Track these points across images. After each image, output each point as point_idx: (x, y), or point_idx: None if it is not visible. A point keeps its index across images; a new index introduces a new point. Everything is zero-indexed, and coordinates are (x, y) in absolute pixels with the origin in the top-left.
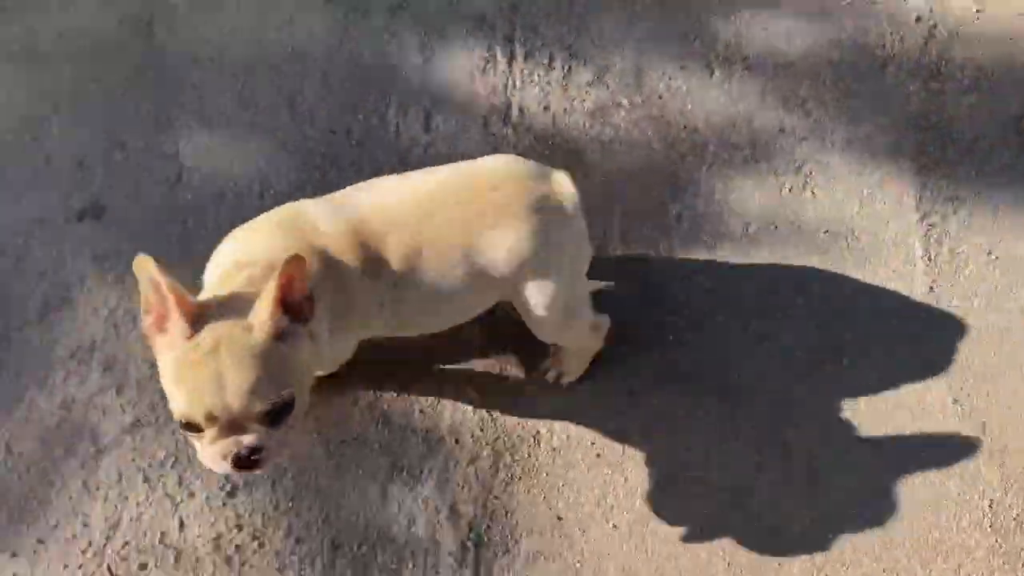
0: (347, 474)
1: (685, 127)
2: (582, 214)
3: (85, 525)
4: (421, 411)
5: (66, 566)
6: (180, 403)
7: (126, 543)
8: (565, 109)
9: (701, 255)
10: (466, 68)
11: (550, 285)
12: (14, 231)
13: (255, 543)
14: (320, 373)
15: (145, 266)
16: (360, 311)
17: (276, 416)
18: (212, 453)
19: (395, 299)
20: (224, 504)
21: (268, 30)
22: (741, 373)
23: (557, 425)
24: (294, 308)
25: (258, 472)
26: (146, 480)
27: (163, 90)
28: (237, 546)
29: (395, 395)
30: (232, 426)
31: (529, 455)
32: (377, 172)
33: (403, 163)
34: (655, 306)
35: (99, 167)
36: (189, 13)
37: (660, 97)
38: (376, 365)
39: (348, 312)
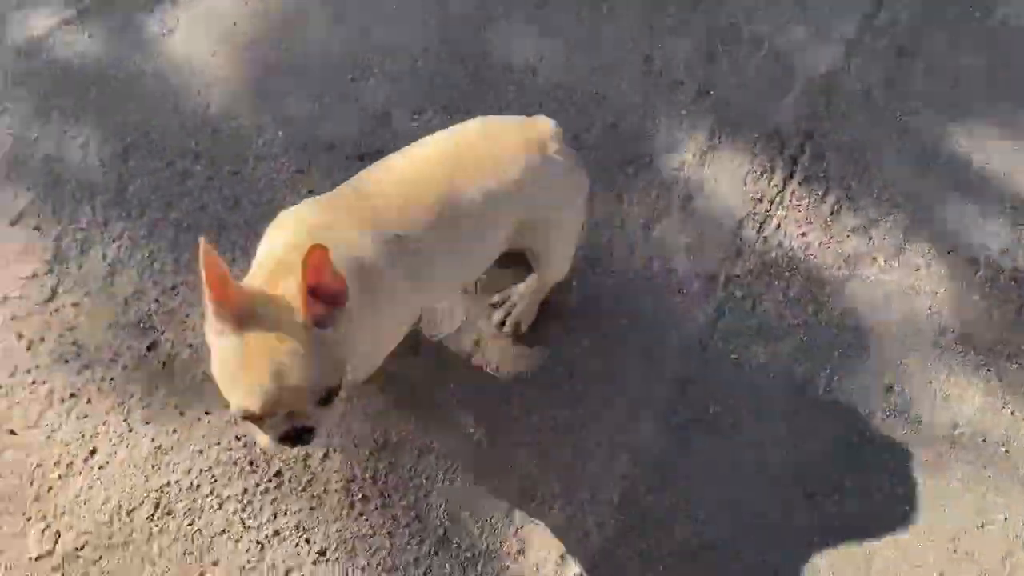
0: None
1: (931, 308)
2: (571, 148)
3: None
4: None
5: (218, 442)
6: (237, 399)
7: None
8: (820, 243)
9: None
10: (743, 168)
11: (569, 215)
12: None
13: (380, 500)
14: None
15: (201, 254)
16: (387, 292)
17: (326, 399)
18: (268, 440)
19: (417, 268)
20: (371, 455)
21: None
22: None
23: None
24: (329, 295)
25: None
26: None
27: None
28: (364, 496)
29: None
30: (285, 411)
31: None
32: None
33: (646, 228)
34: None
35: None
36: None
37: (917, 270)
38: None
39: (375, 300)
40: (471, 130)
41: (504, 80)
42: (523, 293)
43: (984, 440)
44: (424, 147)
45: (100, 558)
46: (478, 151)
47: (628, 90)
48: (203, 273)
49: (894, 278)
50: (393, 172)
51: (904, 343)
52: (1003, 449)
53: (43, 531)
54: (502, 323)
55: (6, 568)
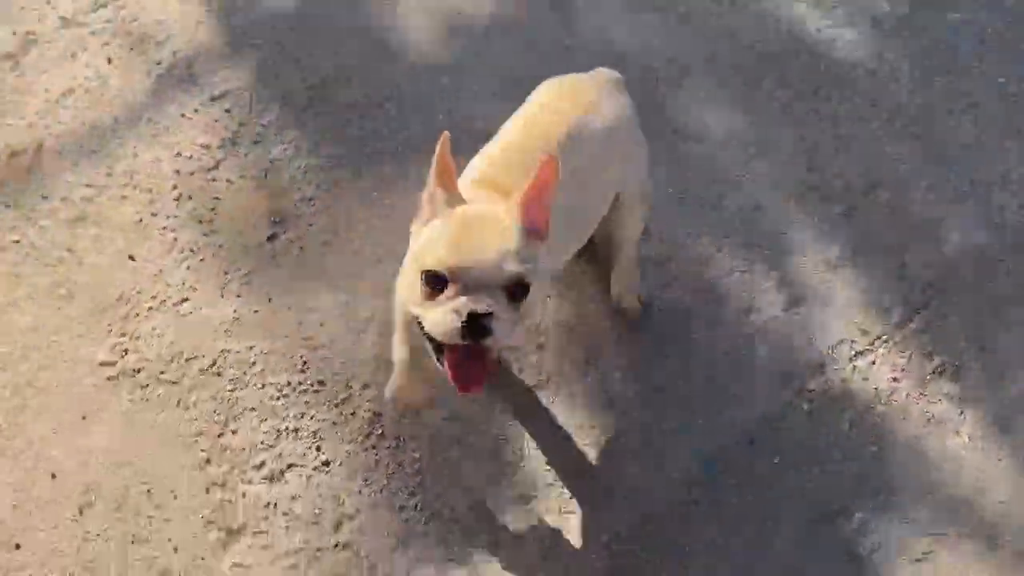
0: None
1: (1000, 503)
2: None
3: None
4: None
5: (285, 336)
6: (437, 252)
7: None
8: (908, 395)
9: None
10: (865, 296)
11: (642, 149)
12: None
13: (395, 442)
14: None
15: (440, 144)
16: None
17: (514, 294)
18: (445, 312)
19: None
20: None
21: None
22: None
23: None
24: (534, 224)
25: (484, 343)
26: None
27: None
28: (383, 433)
29: None
30: (476, 287)
31: None
32: None
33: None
34: None
35: None
36: None
37: (999, 461)
38: None
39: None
40: (554, 88)
41: None
42: (622, 268)
43: None
44: (531, 107)
45: (148, 385)
46: (575, 98)
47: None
48: (436, 161)
49: (973, 460)
50: (516, 133)
51: (955, 519)
52: None
53: (115, 345)
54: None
55: (73, 361)
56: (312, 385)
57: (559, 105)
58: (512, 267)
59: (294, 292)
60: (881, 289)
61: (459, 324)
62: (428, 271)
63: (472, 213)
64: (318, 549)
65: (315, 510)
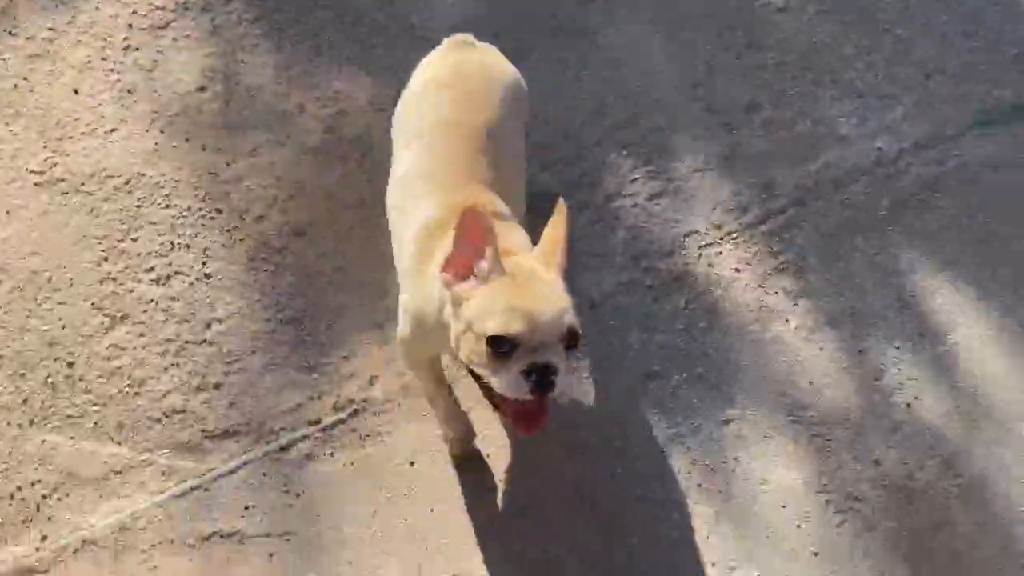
0: None
1: (805, 381)
2: None
3: None
4: None
5: (211, 173)
6: (499, 320)
7: None
8: (747, 285)
9: None
10: (721, 195)
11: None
12: None
13: (274, 270)
14: None
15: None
16: None
17: (569, 344)
18: (512, 376)
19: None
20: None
21: None
22: None
23: None
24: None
25: (549, 394)
26: None
27: None
28: (265, 258)
29: None
30: (538, 347)
31: None
32: None
33: (609, 200)
34: None
35: None
36: None
37: (820, 349)
38: None
39: None
40: (440, 63)
41: None
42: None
43: (784, 507)
44: (431, 124)
45: (67, 193)
46: (468, 71)
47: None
48: (475, 226)
49: (793, 344)
50: (437, 161)
51: (758, 393)
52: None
53: (47, 158)
54: None
55: (8, 167)
56: (210, 212)
57: (461, 116)
58: (571, 322)
59: (213, 136)
60: (743, 194)
61: (532, 384)
62: (495, 337)
63: (522, 276)
64: (187, 342)
65: (190, 311)
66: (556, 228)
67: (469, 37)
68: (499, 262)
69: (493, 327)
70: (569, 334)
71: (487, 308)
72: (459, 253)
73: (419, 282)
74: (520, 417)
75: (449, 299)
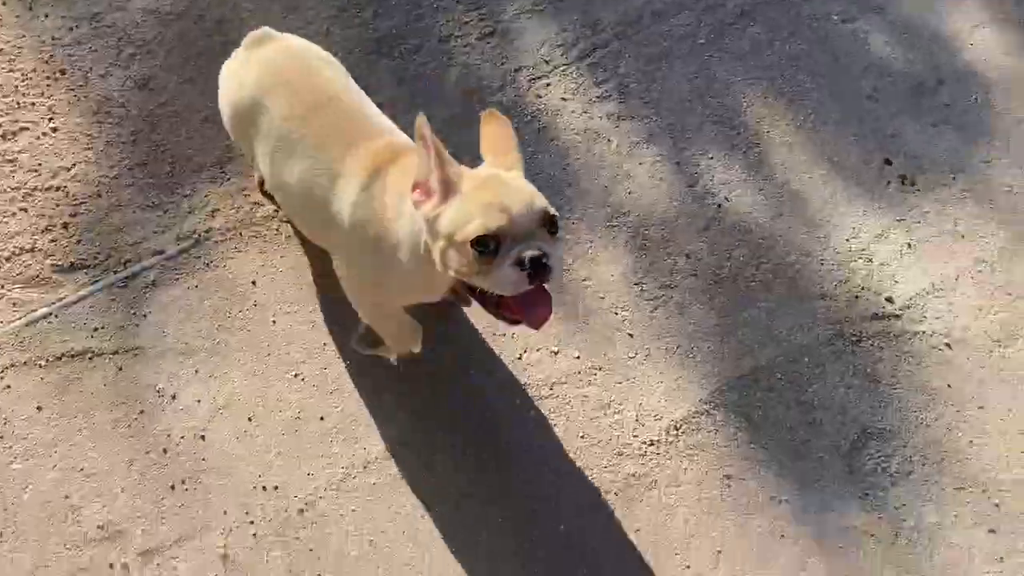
0: None
1: (623, 192)
2: None
3: None
4: None
5: None
6: (479, 221)
7: None
8: (574, 111)
9: None
10: (549, 32)
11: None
12: None
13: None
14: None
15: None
16: None
17: (552, 226)
18: (505, 271)
19: None
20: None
21: None
22: None
23: None
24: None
25: (547, 282)
26: None
27: None
28: (117, 122)
29: None
30: (524, 236)
31: None
32: None
33: (445, 41)
34: None
35: None
36: None
37: (640, 164)
38: None
39: None
40: (250, 67)
41: None
42: None
43: (603, 298)
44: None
45: None
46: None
47: None
48: (433, 147)
49: (615, 160)
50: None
51: (582, 204)
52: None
53: None
54: None
55: None
56: (55, 74)
57: (313, 97)
58: (544, 205)
59: (53, 4)
60: (569, 31)
61: (526, 274)
62: (478, 239)
63: (484, 179)
64: (34, 188)
65: (37, 162)
66: (493, 125)
67: (268, 29)
68: (458, 165)
69: (473, 229)
70: (547, 217)
71: (462, 215)
72: (423, 169)
73: (395, 227)
74: (526, 311)
75: (425, 227)
